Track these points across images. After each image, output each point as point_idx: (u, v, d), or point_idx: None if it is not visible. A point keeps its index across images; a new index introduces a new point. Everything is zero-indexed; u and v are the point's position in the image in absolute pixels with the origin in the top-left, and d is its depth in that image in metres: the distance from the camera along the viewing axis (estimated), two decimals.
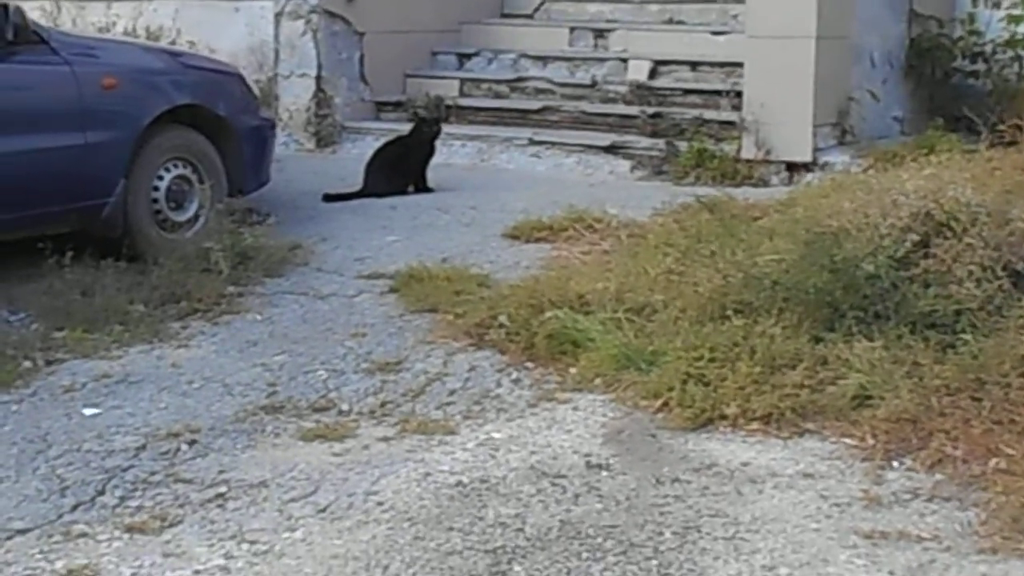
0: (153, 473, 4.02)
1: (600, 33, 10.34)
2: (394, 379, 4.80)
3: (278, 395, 4.68)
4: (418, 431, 4.33)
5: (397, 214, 7.25)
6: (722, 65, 9.50)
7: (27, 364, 5.01)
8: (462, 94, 10.17)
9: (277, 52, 9.86)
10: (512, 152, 9.12)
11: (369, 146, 9.49)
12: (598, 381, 4.65)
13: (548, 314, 5.06)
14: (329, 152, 9.54)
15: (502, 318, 5.10)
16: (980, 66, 9.05)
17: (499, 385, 4.71)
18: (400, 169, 7.82)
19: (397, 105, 10.17)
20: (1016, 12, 8.79)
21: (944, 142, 7.99)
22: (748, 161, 8.18)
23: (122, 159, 6.37)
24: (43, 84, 6.14)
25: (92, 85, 6.25)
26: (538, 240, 6.54)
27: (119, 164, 6.36)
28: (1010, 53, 8.93)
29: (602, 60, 10.01)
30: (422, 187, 7.85)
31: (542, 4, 11.10)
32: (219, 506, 3.80)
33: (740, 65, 9.19)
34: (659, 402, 4.42)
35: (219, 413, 4.51)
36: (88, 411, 4.55)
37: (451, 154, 9.00)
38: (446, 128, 9.37)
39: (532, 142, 9.15)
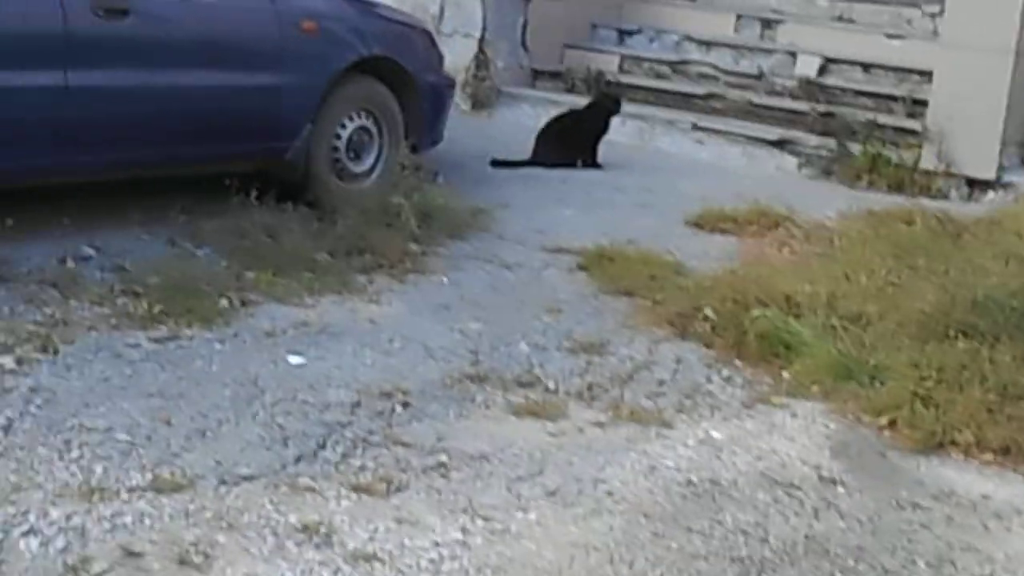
0: (371, 432, 3.92)
1: (768, 24, 10.12)
2: (599, 361, 4.67)
3: (481, 364, 4.57)
4: (631, 419, 4.20)
5: (569, 188, 7.12)
6: (896, 70, 9.26)
7: (223, 303, 4.93)
8: (622, 71, 10.03)
9: (443, 8, 9.74)
10: (674, 135, 8.96)
11: (525, 113, 9.45)
12: (815, 389, 4.49)
13: (756, 312, 4.90)
14: (485, 115, 9.43)
15: (707, 311, 4.96)
16: None
17: (709, 381, 4.57)
18: (572, 142, 7.69)
19: (555, 75, 10.04)
20: None
21: None
22: (927, 172, 7.94)
23: (311, 104, 6.29)
24: (246, 21, 6.06)
25: (292, 27, 6.17)
26: (723, 231, 6.39)
27: (308, 108, 6.28)
28: None
29: (769, 51, 9.81)
30: (591, 163, 7.72)
31: None
32: (442, 476, 3.69)
33: (916, 72, 9.01)
34: (884, 420, 4.25)
35: (425, 376, 4.40)
36: (293, 359, 4.46)
37: (611, 131, 8.79)
38: None
39: (696, 128, 8.98)
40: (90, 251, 5.38)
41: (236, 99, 5.96)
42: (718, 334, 4.85)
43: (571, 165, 7.61)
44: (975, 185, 7.87)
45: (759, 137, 8.78)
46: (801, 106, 9.06)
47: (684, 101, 9.41)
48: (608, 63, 10.07)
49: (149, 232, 5.74)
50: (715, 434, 4.14)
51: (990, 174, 7.81)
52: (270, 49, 6.09)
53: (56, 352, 4.35)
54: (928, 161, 7.92)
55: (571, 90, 9.83)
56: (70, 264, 5.23)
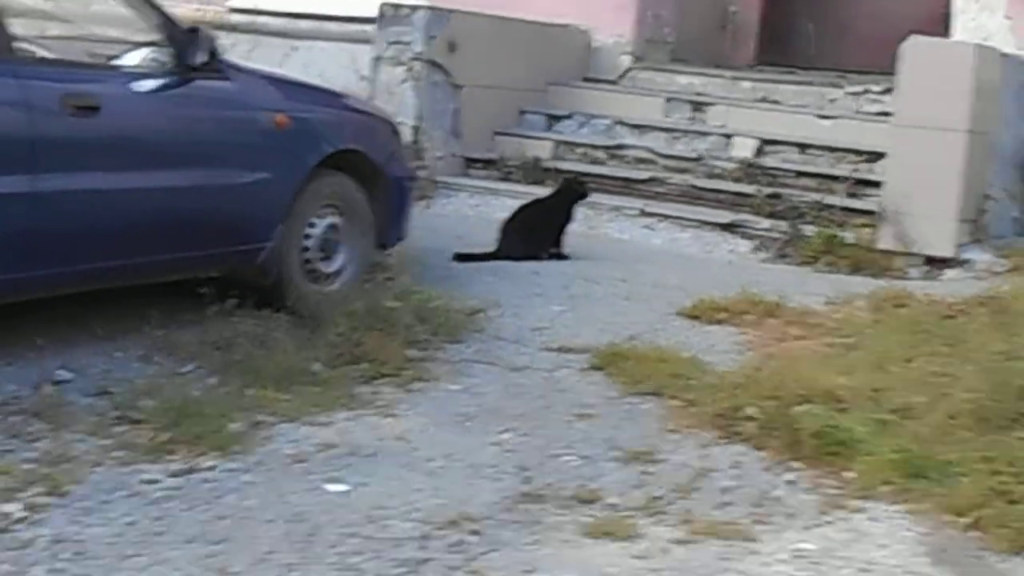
0: (453, 568, 3.55)
1: (698, 106, 10.04)
2: (653, 471, 4.37)
3: (534, 481, 4.23)
4: (711, 534, 3.90)
5: (545, 281, 6.83)
6: (831, 149, 9.24)
7: (233, 426, 4.51)
8: (555, 157, 9.82)
9: (372, 96, 9.42)
10: (622, 222, 8.76)
11: (463, 203, 9.22)
12: (884, 489, 4.25)
13: (800, 409, 4.66)
14: (424, 206, 9.07)
15: (750, 410, 4.69)
16: None
17: (774, 486, 4.30)
18: (538, 233, 7.43)
19: (487, 162, 9.79)
20: None
21: None
22: (884, 252, 7.86)
23: (284, 202, 5.93)
24: (218, 117, 5.68)
25: (265, 122, 5.81)
26: (719, 322, 6.16)
27: (280, 207, 5.91)
28: None
29: (703, 134, 9.72)
30: (556, 253, 7.44)
31: (628, 71, 10.78)
32: None
33: (851, 151, 9.01)
34: (969, 519, 4.02)
35: (483, 499, 4.05)
36: (334, 487, 4.07)
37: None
38: (539, 190, 9.05)
39: (644, 213, 8.80)
40: (66, 374, 4.92)
41: (210, 199, 5.59)
42: (767, 434, 4.58)
43: (537, 257, 7.32)
44: (933, 263, 7.80)
45: (708, 221, 8.63)
46: (744, 188, 8.95)
47: (626, 186, 9.23)
48: (540, 149, 9.87)
49: (121, 349, 5.30)
50: (805, 546, 3.86)
51: (949, 252, 7.77)
52: (242, 145, 5.73)
53: (65, 494, 3.88)
54: (886, 241, 7.84)
55: (505, 178, 9.60)
56: (47, 390, 4.76)
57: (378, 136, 6.54)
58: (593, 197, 8.90)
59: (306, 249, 6.10)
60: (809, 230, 8.29)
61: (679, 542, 3.86)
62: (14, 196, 4.76)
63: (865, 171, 8.92)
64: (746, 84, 10.37)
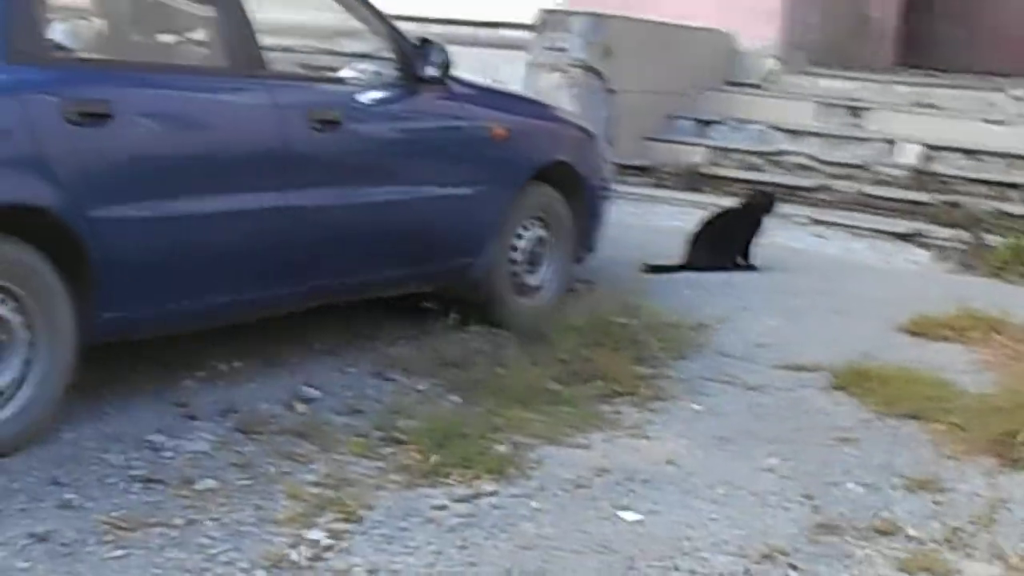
0: None
1: (854, 111, 9.83)
2: (944, 500, 4.20)
3: (824, 511, 4.07)
4: None
5: (744, 294, 6.67)
6: (1002, 155, 9.02)
7: (500, 448, 4.38)
8: (710, 163, 9.66)
9: None
10: (792, 230, 8.56)
11: (623, 211, 8.94)
12: None
13: None
14: None
15: None
16: None
17: None
18: (726, 244, 7.25)
19: (640, 169, 9.64)
20: None
21: None
22: None
23: (498, 216, 5.80)
24: (444, 130, 5.58)
25: (483, 133, 5.69)
26: (945, 339, 5.96)
27: (494, 220, 5.79)
28: None
29: (862, 140, 9.54)
30: (745, 264, 7.27)
31: (772, 75, 10.59)
32: None
33: (1022, 157, 8.78)
34: None
35: (782, 531, 3.90)
36: (627, 515, 3.93)
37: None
38: (704, 198, 8.91)
39: (814, 221, 8.61)
40: (313, 392, 4.83)
41: (434, 212, 5.50)
42: None
43: (725, 268, 7.15)
44: None
45: (882, 229, 8.44)
46: (916, 195, 8.76)
47: (790, 193, 9.02)
48: (694, 155, 9.73)
49: (351, 364, 5.20)
50: None
51: None
52: (464, 157, 5.63)
53: (360, 520, 3.78)
54: None
55: (660, 185, 9.47)
56: (300, 408, 4.68)
57: (582, 147, 6.41)
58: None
59: (513, 262, 5.97)
60: (991, 239, 8.06)
61: None
62: (268, 211, 4.66)
63: None
64: (900, 88, 10.17)
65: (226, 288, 4.65)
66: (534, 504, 3.98)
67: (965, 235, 8.15)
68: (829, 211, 8.75)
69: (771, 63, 10.57)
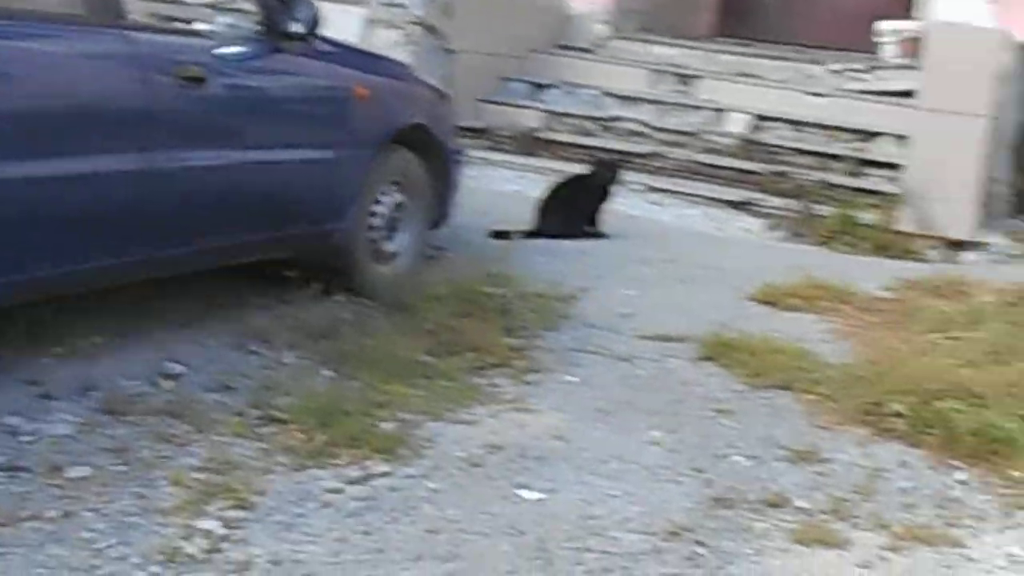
0: None
1: (684, 79, 9.94)
2: (825, 471, 4.27)
3: (715, 485, 4.09)
4: (916, 540, 3.82)
5: (598, 262, 6.67)
6: (824, 127, 9.25)
7: (386, 426, 4.26)
8: (546, 127, 9.66)
9: None
10: (629, 197, 8.59)
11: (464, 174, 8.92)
12: None
13: (943, 404, 4.61)
14: None
15: (896, 407, 4.62)
16: None
17: (948, 487, 4.24)
18: (574, 211, 7.24)
19: (477, 131, 9.54)
20: None
21: None
22: (904, 233, 7.89)
23: (359, 179, 5.64)
24: (311, 89, 5.38)
25: (346, 94, 5.51)
26: (796, 308, 6.08)
27: (357, 184, 5.63)
28: None
29: (694, 108, 9.63)
30: (593, 232, 7.28)
31: (604, 40, 10.62)
32: None
33: (843, 129, 9.03)
34: None
35: (679, 505, 3.91)
36: (527, 494, 3.87)
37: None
38: (541, 162, 8.92)
39: (649, 188, 8.67)
40: (177, 367, 4.59)
41: (298, 175, 5.29)
42: (920, 432, 4.52)
43: (573, 236, 7.14)
44: (951, 245, 7.86)
45: (716, 197, 8.58)
46: (746, 165, 8.91)
47: (624, 160, 9.03)
48: (529, 119, 9.68)
49: (211, 336, 4.97)
50: (1014, 551, 3.81)
51: (967, 235, 7.84)
52: (329, 118, 5.44)
53: (252, 507, 3.62)
54: (905, 222, 7.86)
55: (496, 148, 9.41)
56: (165, 385, 4.46)
57: (438, 110, 6.29)
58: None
59: (372, 228, 5.82)
60: (820, 210, 8.27)
61: (891, 549, 3.77)
62: (130, 174, 4.39)
63: (859, 150, 8.93)
64: (725, 58, 10.32)
65: (85, 255, 4.35)
66: (431, 485, 3.88)
67: (794, 204, 8.34)
68: (663, 178, 8.83)
69: (602, 28, 10.58)
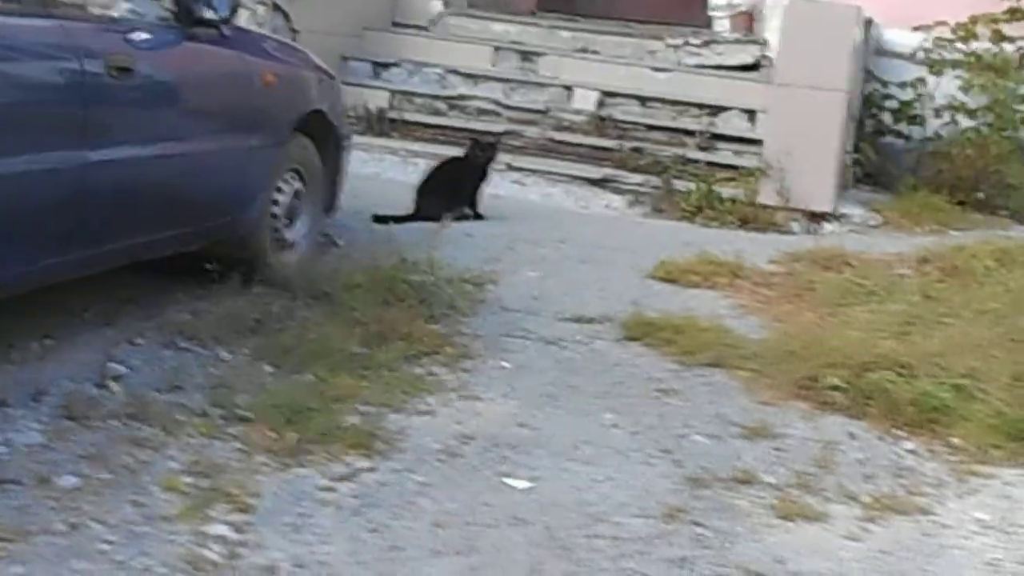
0: (720, 565, 3.49)
1: (527, 56, 10.00)
2: (780, 446, 4.42)
3: (684, 465, 4.19)
4: (888, 509, 4.00)
5: (487, 244, 6.67)
6: (671, 102, 9.45)
7: (351, 420, 4.22)
8: (393, 107, 9.56)
9: None
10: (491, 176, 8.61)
11: None
12: (997, 454, 4.46)
13: (875, 376, 4.82)
14: None
15: (832, 379, 4.81)
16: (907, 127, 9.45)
17: (900, 456, 4.44)
18: (454, 193, 7.23)
19: None
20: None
21: (927, 201, 8.34)
22: (766, 207, 8.15)
23: (267, 168, 5.53)
24: (224, 76, 5.23)
25: (256, 81, 5.39)
26: (695, 285, 6.22)
27: (264, 173, 5.52)
28: (945, 118, 9.39)
29: (540, 85, 9.70)
30: (472, 214, 7.29)
31: (437, 16, 10.59)
32: None
33: (690, 104, 9.26)
34: None
35: (659, 486, 3.99)
36: (516, 483, 3.89)
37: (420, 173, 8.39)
38: (390, 143, 8.89)
39: (510, 167, 8.69)
40: (121, 368, 4.42)
41: (216, 165, 5.16)
42: (860, 404, 4.71)
43: (455, 217, 7.13)
44: (812, 217, 8.16)
45: (577, 175, 8.66)
46: (603, 142, 9.03)
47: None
48: (376, 99, 9.57)
49: (138, 334, 4.81)
50: (980, 515, 4.02)
51: (827, 207, 8.14)
52: (240, 107, 5.30)
53: (252, 509, 3.55)
54: (768, 197, 8.12)
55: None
56: (114, 387, 4.30)
57: (332, 94, 6.18)
58: (450, 151, 8.78)
59: (275, 216, 5.71)
60: (678, 185, 8.45)
61: (868, 520, 3.92)
62: (69, 170, 4.20)
63: (710, 125, 9.16)
64: (564, 34, 10.39)
65: (25, 256, 4.15)
66: (418, 478, 3.86)
67: (653, 180, 8.49)
68: (523, 157, 8.86)
69: (436, 4, 10.53)
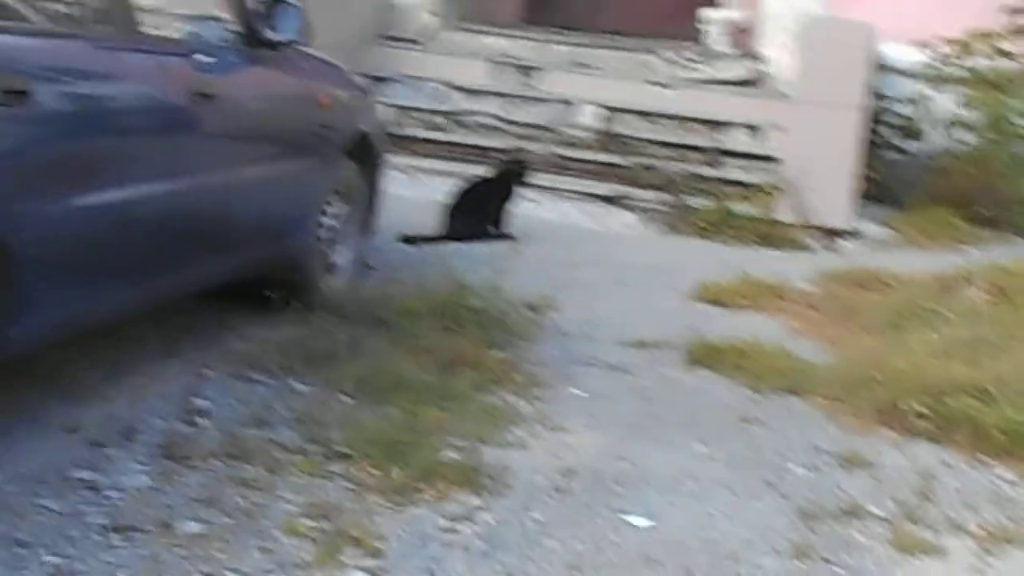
0: None
1: (525, 71, 9.92)
2: (879, 476, 4.36)
3: (791, 498, 4.12)
4: (1002, 540, 3.95)
5: (519, 265, 6.50)
6: (677, 118, 9.42)
7: (448, 455, 4.10)
8: (393, 122, 9.41)
9: None
10: None
11: None
12: None
13: (955, 402, 4.79)
14: None
15: (916, 406, 4.77)
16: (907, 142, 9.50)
17: (996, 485, 4.40)
18: (482, 213, 7.14)
19: None
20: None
21: (937, 216, 8.39)
22: (782, 224, 8.14)
23: (320, 191, 5.41)
24: (288, 100, 5.10)
25: (314, 104, 5.28)
26: (742, 308, 6.18)
27: (317, 195, 5.41)
28: (945, 133, 9.46)
29: (541, 100, 9.63)
30: (498, 233, 7.20)
31: (428, 30, 10.49)
32: None
33: (694, 119, 9.24)
34: None
35: (777, 522, 3.91)
36: (636, 521, 3.81)
37: (433, 189, 8.30)
38: (395, 159, 8.76)
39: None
40: (204, 403, 4.28)
41: (283, 189, 5.07)
42: (946, 430, 4.67)
43: (481, 238, 7.05)
44: (829, 234, 8.17)
45: (588, 192, 8.60)
46: (609, 158, 8.98)
47: (483, 155, 8.97)
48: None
49: (206, 366, 4.67)
50: None
51: (844, 224, 8.14)
52: (302, 130, 5.18)
53: (380, 553, 3.43)
54: (783, 213, 8.11)
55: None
56: (202, 423, 4.16)
57: (372, 114, 6.07)
58: (459, 167, 8.70)
59: (321, 240, 5.58)
60: (691, 202, 8.42)
61: (985, 552, 3.88)
62: (169, 196, 4.08)
63: (716, 141, 9.14)
64: (558, 48, 10.34)
65: (133, 283, 4.03)
66: (536, 516, 3.77)
67: (664, 197, 8.45)
68: (533, 174, 8.76)
69: (427, 18, 10.43)
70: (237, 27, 4.77)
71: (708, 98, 9.41)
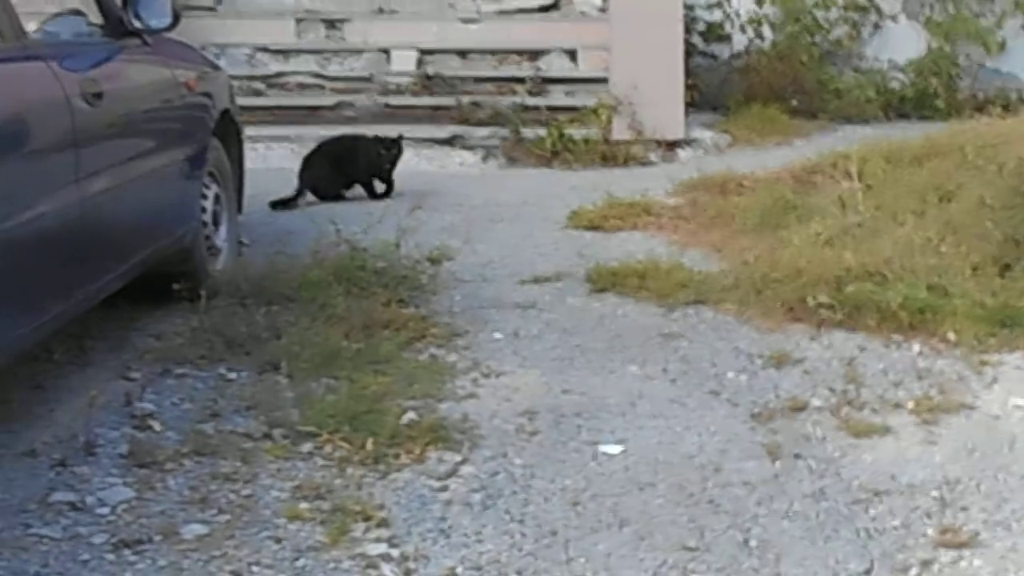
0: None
1: (332, 24, 9.84)
2: (806, 370, 4.57)
3: (738, 402, 4.30)
4: (939, 410, 4.20)
5: (391, 219, 6.51)
6: (490, 52, 9.50)
7: (408, 417, 4.13)
8: None
9: None
10: None
11: None
12: (993, 342, 4.73)
13: (854, 288, 5.04)
14: None
15: (821, 298, 5.00)
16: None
17: (913, 360, 4.65)
18: (337, 169, 7.10)
19: None
20: None
21: (762, 114, 8.72)
22: (619, 142, 8.32)
23: (200, 175, 5.32)
24: (160, 87, 4.96)
25: (181, 88, 5.17)
26: (619, 229, 6.33)
27: (199, 181, 5.31)
28: (750, 32, 9.81)
29: (355, 52, 9.57)
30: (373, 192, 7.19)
31: None
32: None
33: (507, 51, 9.35)
34: None
35: (738, 428, 4.09)
36: (611, 449, 3.92)
37: (270, 157, 8.23)
38: None
39: None
40: (146, 406, 4.22)
41: (171, 179, 4.94)
42: (853, 316, 4.91)
43: (340, 197, 7.03)
44: (666, 145, 8.38)
45: (425, 137, 8.61)
46: (435, 101, 9.00)
47: (310, 114, 8.92)
48: None
49: (129, 369, 4.58)
50: (1017, 401, 4.28)
51: (680, 134, 8.37)
52: (177, 116, 5.06)
53: (388, 523, 3.47)
54: (620, 132, 8.29)
55: None
56: (156, 426, 4.08)
57: (230, 91, 5.95)
58: (292, 130, 8.63)
59: (204, 223, 5.49)
60: (526, 132, 8.52)
61: (927, 423, 4.11)
62: (73, 205, 3.95)
63: (532, 69, 9.25)
64: None
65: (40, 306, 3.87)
66: (517, 461, 3.84)
67: (501, 132, 8.52)
68: (360, 126, 8.71)
69: None
70: (100, 19, 4.59)
71: (518, 27, 9.49)
